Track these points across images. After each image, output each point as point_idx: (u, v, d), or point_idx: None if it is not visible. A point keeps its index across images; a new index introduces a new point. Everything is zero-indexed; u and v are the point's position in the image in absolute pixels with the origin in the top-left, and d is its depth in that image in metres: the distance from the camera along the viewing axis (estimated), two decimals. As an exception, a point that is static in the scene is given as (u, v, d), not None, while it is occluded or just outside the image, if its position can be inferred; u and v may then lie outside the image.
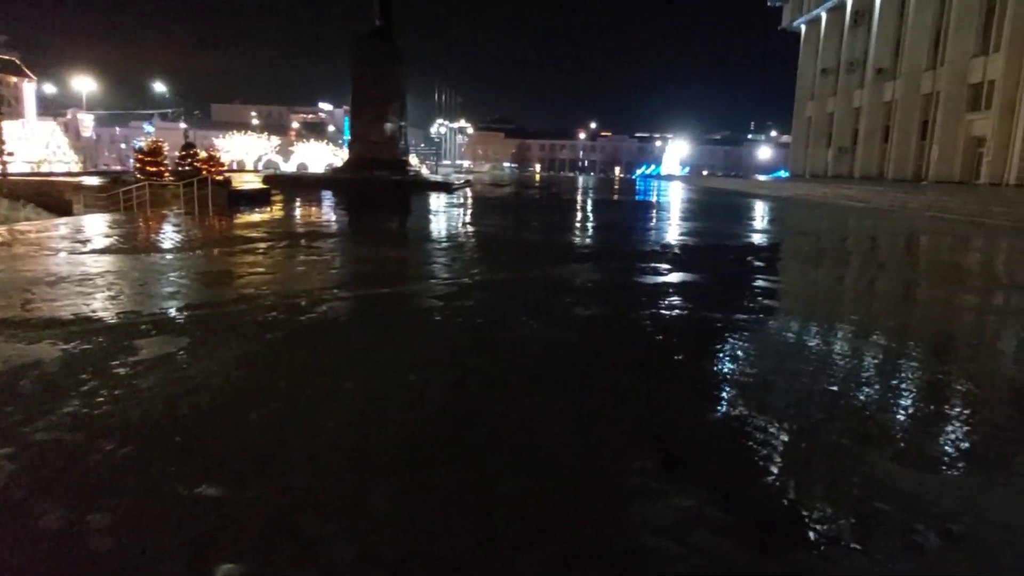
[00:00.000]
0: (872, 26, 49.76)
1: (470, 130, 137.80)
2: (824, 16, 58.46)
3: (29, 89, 72.17)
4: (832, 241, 14.56)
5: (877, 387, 4.19)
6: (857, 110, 52.82)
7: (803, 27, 63.56)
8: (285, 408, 3.49)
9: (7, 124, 31.46)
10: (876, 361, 4.81)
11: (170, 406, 3.46)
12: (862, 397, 3.97)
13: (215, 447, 3.00)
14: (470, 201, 25.65)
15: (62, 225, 13.00)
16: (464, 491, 2.66)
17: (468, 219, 17.69)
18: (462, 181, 40.14)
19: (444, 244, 11.65)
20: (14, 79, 67.26)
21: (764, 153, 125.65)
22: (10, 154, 27.07)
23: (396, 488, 2.67)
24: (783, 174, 75.94)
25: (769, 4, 68.47)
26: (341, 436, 3.16)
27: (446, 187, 32.53)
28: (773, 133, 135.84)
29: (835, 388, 4.09)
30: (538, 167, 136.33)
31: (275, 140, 72.57)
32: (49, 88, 70.92)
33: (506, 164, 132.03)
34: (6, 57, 64.41)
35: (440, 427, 3.33)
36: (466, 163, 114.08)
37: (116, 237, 11.28)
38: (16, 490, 2.58)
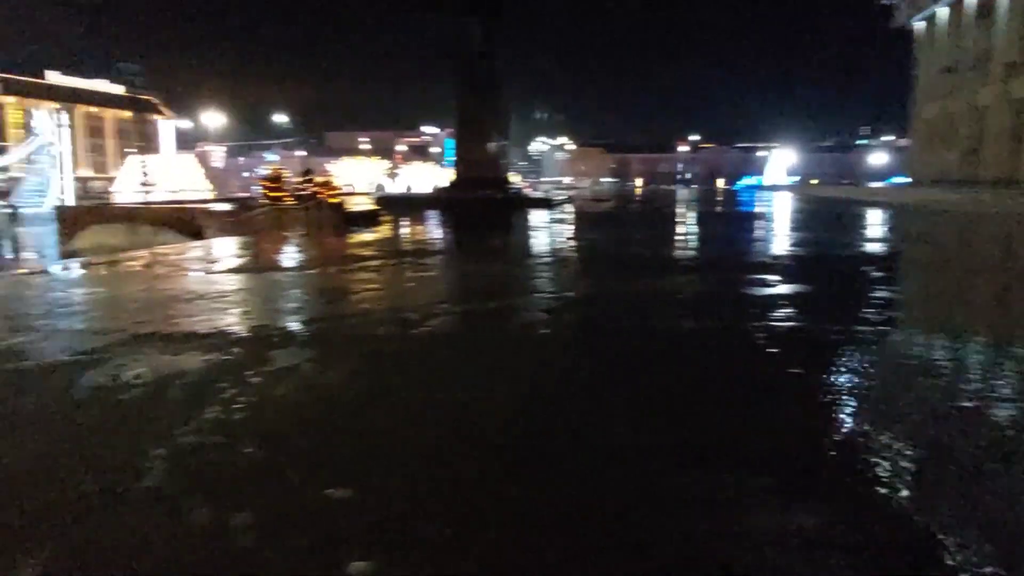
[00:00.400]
0: (998, 19, 45.92)
1: (570, 146, 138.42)
2: (943, 12, 54.58)
3: (167, 125, 79.73)
4: (962, 251, 13.50)
5: (1019, 404, 3.86)
6: (984, 109, 48.74)
7: (919, 24, 59.61)
8: (405, 416, 3.66)
9: (150, 158, 34.95)
10: (1017, 378, 4.44)
11: (300, 413, 3.71)
12: (1001, 414, 3.67)
13: (342, 452, 3.18)
14: (572, 216, 25.72)
15: (196, 247, 14.17)
16: (572, 505, 2.69)
17: (570, 234, 17.75)
18: (563, 197, 40.31)
19: (547, 259, 11.75)
20: (155, 117, 74.57)
21: (878, 158, 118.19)
22: (153, 185, 29.95)
23: (512, 497, 2.73)
24: (901, 180, 71.13)
25: (877, 3, 64.64)
26: (458, 444, 3.27)
27: (547, 203, 32.78)
28: (887, 137, 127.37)
29: (971, 405, 3.81)
30: (638, 181, 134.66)
31: (383, 163, 75.84)
32: (184, 124, 77.71)
33: (606, 179, 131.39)
34: (148, 98, 71.70)
35: (547, 442, 3.37)
36: (566, 179, 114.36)
37: (244, 258, 12.17)
38: (170, 487, 2.83)
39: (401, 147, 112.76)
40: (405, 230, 19.14)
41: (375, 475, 2.91)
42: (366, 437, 3.37)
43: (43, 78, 75.96)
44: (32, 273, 10.89)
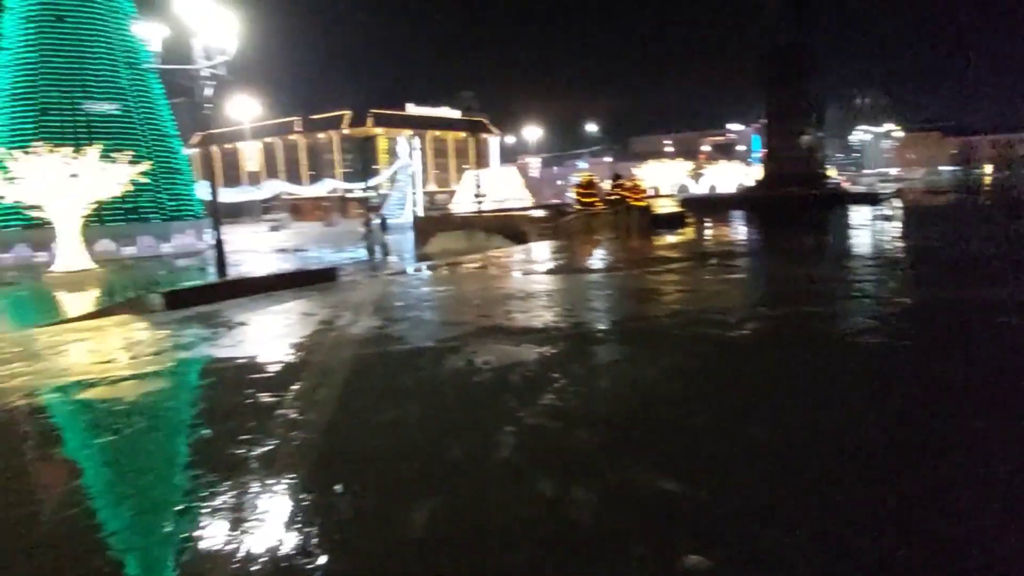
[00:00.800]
0: None
1: (897, 133, 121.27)
2: None
3: (494, 142, 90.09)
4: None
5: None
6: None
7: None
8: (721, 417, 3.71)
9: (481, 172, 39.99)
10: None
11: (624, 405, 4.00)
12: None
13: (666, 446, 3.35)
14: (899, 213, 22.67)
15: (520, 251, 15.76)
16: (920, 521, 2.51)
17: (898, 233, 15.72)
18: (889, 191, 35.71)
19: (872, 261, 10.61)
20: (484, 135, 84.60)
21: None
22: (484, 196, 34.12)
23: (856, 510, 2.64)
24: None
25: None
26: (778, 450, 3.23)
27: (870, 199, 29.56)
28: None
29: None
30: (988, 168, 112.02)
31: (686, 165, 75.12)
32: (508, 139, 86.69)
33: (944, 168, 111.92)
34: (480, 119, 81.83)
35: (877, 456, 3.15)
36: (893, 170, 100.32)
37: (561, 260, 13.21)
38: (518, 461, 3.26)
39: (705, 147, 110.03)
40: (711, 231, 18.80)
41: (702, 471, 3.02)
42: (690, 433, 3.50)
43: (403, 110, 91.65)
44: (398, 273, 13.24)
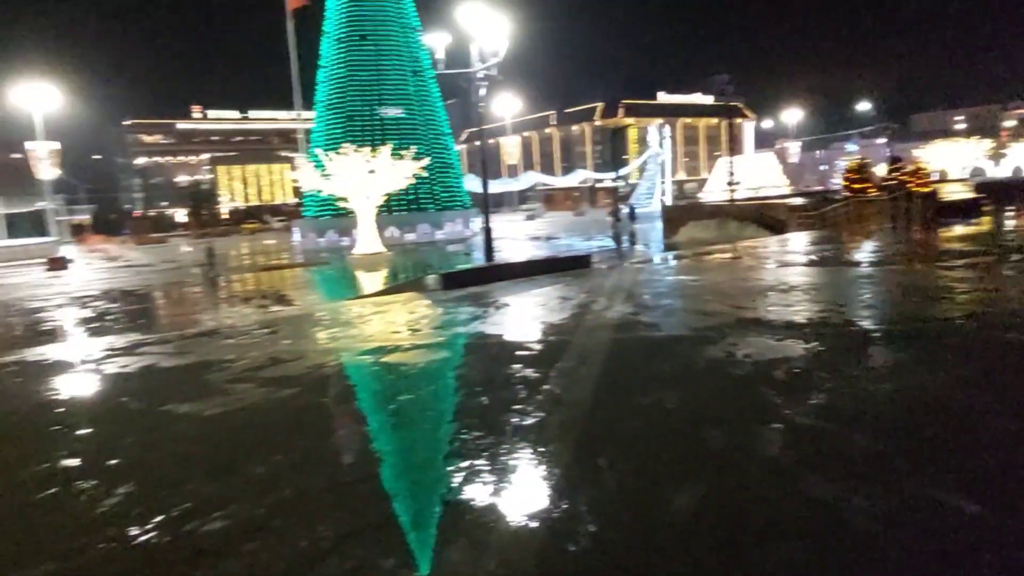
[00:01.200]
0: None
1: None
2: None
3: (748, 127, 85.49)
4: None
5: None
6: None
7: None
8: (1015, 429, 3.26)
9: (734, 159, 38.17)
10: None
11: (910, 413, 3.65)
12: None
13: (963, 462, 3.02)
14: None
15: (778, 241, 14.86)
16: None
17: None
18: None
19: None
20: (739, 120, 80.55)
21: None
22: (737, 183, 32.53)
23: None
24: None
25: None
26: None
27: None
28: None
29: None
30: None
31: (983, 144, 64.01)
32: (765, 123, 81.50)
33: None
34: (734, 104, 78.17)
35: None
36: None
37: (827, 252, 12.22)
38: (784, 459, 3.13)
39: (1008, 122, 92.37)
40: (1016, 222, 15.92)
41: (1014, 495, 2.70)
42: (995, 451, 3.12)
43: (654, 99, 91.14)
44: (645, 262, 13.33)
